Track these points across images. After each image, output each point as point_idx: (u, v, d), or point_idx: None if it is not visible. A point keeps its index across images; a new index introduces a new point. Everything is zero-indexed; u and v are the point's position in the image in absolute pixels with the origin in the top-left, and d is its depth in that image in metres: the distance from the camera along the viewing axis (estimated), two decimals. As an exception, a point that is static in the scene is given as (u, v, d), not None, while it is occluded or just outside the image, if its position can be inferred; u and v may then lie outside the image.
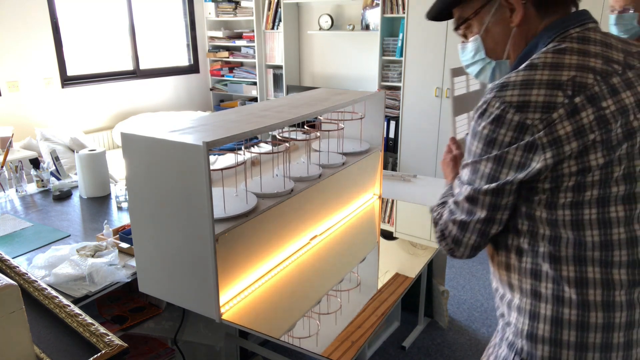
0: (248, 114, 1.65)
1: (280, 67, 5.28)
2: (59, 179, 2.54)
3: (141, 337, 1.78)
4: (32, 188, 2.52)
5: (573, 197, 0.84)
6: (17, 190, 2.46)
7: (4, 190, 2.46)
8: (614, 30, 2.00)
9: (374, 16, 4.60)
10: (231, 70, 5.66)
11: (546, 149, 0.81)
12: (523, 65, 0.87)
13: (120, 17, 4.83)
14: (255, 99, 5.58)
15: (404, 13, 4.27)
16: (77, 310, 1.23)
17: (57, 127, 4.26)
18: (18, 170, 2.44)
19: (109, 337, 1.13)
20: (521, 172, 0.84)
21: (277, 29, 5.16)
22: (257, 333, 1.42)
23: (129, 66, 4.98)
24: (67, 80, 4.47)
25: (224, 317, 1.45)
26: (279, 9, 5.07)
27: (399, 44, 4.45)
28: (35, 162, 2.55)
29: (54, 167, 2.58)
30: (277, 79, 5.35)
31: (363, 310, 1.56)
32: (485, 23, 0.97)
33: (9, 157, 2.61)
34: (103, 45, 4.76)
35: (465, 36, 1.03)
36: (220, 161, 1.89)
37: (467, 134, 0.92)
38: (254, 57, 5.38)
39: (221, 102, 5.89)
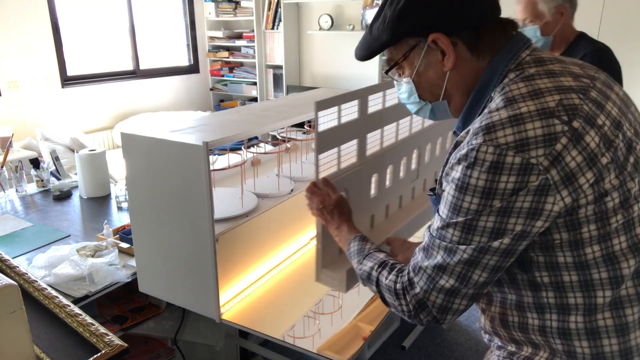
0: (248, 114, 1.65)
1: (280, 67, 5.28)
2: (59, 179, 2.54)
3: (141, 337, 1.78)
4: (32, 188, 2.52)
5: (598, 229, 0.76)
6: (17, 190, 2.46)
7: (4, 190, 2.45)
8: None
9: (374, 16, 4.60)
10: (231, 70, 5.66)
11: (560, 187, 0.72)
12: (496, 102, 0.79)
13: (120, 17, 4.83)
14: (255, 99, 5.58)
15: (404, 13, 4.27)
16: (77, 310, 1.23)
17: (57, 127, 4.26)
18: (18, 170, 2.44)
19: (109, 337, 1.13)
20: (536, 221, 0.74)
21: (277, 29, 5.16)
22: (257, 333, 1.42)
23: (129, 66, 4.98)
24: (67, 80, 4.47)
25: (224, 317, 1.45)
26: (279, 9, 5.07)
27: (399, 44, 4.45)
28: (35, 162, 2.55)
29: (54, 167, 2.58)
30: (277, 79, 5.35)
31: (363, 310, 1.56)
32: (417, 67, 0.90)
33: (9, 157, 2.61)
34: (103, 45, 4.76)
35: (400, 75, 0.96)
36: (220, 161, 1.89)
37: (443, 190, 0.81)
38: (254, 57, 5.38)
39: (221, 102, 5.89)
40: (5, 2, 3.94)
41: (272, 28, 5.19)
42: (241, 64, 5.69)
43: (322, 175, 1.24)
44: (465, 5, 0.84)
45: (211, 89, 5.77)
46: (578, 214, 0.74)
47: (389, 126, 1.50)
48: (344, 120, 1.30)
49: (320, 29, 4.97)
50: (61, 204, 2.33)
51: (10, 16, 3.99)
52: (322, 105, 1.18)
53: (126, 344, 1.12)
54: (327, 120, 1.24)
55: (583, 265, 0.78)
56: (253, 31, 5.28)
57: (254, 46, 5.33)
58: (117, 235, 1.87)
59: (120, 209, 2.26)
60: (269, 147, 2.21)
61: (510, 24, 0.89)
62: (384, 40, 0.90)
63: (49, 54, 4.28)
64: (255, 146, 2.13)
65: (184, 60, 5.54)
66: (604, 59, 1.86)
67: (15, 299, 1.03)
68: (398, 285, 0.87)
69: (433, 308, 0.83)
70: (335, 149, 1.29)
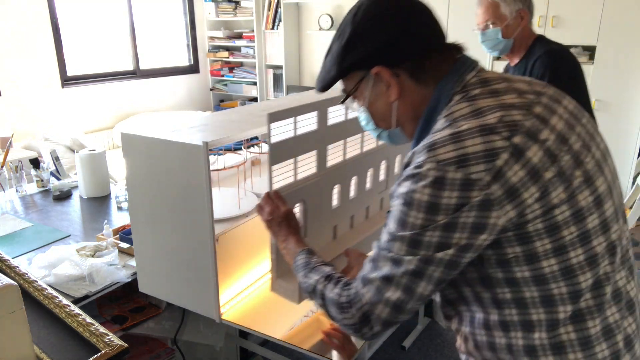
0: (248, 114, 1.65)
1: (280, 67, 5.28)
2: (59, 179, 2.54)
3: (141, 337, 1.78)
4: (32, 188, 2.52)
5: (552, 242, 0.77)
6: (17, 190, 2.46)
7: (4, 190, 2.46)
8: (483, 48, 1.99)
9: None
10: (231, 70, 5.66)
11: (503, 201, 0.73)
12: (440, 123, 0.82)
13: (120, 17, 4.83)
14: (255, 99, 5.58)
15: (404, 13, 4.27)
16: (77, 310, 1.23)
17: (57, 127, 4.26)
18: (18, 170, 2.44)
19: (109, 337, 1.14)
20: (480, 234, 0.75)
21: (277, 29, 5.16)
22: (257, 333, 1.42)
23: (129, 66, 4.98)
24: (67, 80, 4.47)
25: (224, 317, 1.45)
26: (279, 9, 5.07)
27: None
28: (35, 162, 2.55)
29: (54, 167, 2.58)
30: (277, 79, 5.35)
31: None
32: (367, 97, 0.93)
33: (9, 157, 2.61)
34: (103, 45, 4.76)
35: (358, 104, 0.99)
36: (220, 161, 1.89)
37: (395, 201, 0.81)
38: (254, 57, 5.38)
39: (221, 102, 5.89)
40: (5, 2, 3.94)
41: (272, 28, 5.19)
42: (241, 64, 5.70)
43: (277, 185, 1.27)
44: (404, 39, 0.87)
45: (211, 89, 5.78)
46: (527, 228, 0.75)
47: (353, 137, 1.52)
48: (302, 131, 1.32)
49: (320, 29, 4.97)
50: (61, 204, 2.33)
51: (10, 16, 3.99)
52: (274, 117, 1.21)
53: (126, 344, 1.12)
54: (283, 131, 1.26)
55: (541, 279, 0.79)
56: (253, 31, 5.28)
57: (254, 46, 5.34)
58: (117, 235, 1.87)
59: (120, 209, 2.26)
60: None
61: (455, 48, 0.91)
62: (333, 74, 0.93)
63: (49, 54, 4.28)
64: (255, 146, 2.13)
65: (184, 60, 5.54)
66: (556, 59, 1.87)
67: (15, 299, 1.03)
68: (343, 299, 0.88)
69: (378, 321, 0.84)
70: (291, 160, 1.31)
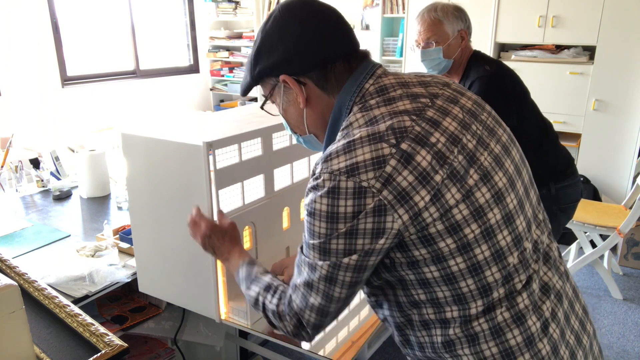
0: (248, 114, 1.65)
1: (280, 67, 5.27)
2: (59, 179, 2.54)
3: (141, 337, 1.78)
4: (32, 188, 2.52)
5: (455, 242, 0.78)
6: (17, 190, 2.46)
7: (4, 190, 2.46)
8: (424, 66, 1.96)
9: (374, 16, 4.60)
10: (231, 70, 5.66)
11: (395, 206, 0.75)
12: (339, 134, 0.85)
13: (121, 17, 4.83)
14: (255, 99, 5.58)
15: (404, 13, 4.27)
16: (77, 310, 1.24)
17: (57, 127, 4.26)
18: (18, 170, 2.44)
19: (109, 337, 1.14)
20: (380, 239, 0.78)
21: (277, 29, 5.16)
22: (257, 333, 1.42)
23: (129, 66, 4.98)
24: (67, 80, 4.47)
25: (223, 317, 1.45)
26: (279, 9, 5.06)
27: (399, 44, 4.45)
28: (35, 162, 2.55)
29: (54, 167, 2.58)
30: (277, 79, 5.35)
31: (363, 310, 1.56)
32: (281, 104, 0.97)
33: (9, 157, 2.61)
34: (103, 45, 4.76)
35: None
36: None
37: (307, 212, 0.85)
38: (254, 57, 5.37)
39: (221, 102, 5.89)
40: (6, 2, 3.94)
41: (272, 28, 5.19)
42: (241, 64, 5.69)
43: (226, 209, 1.33)
44: (306, 49, 0.89)
45: (211, 89, 5.77)
46: (429, 230, 0.77)
47: (300, 161, 1.59)
48: (247, 156, 1.38)
49: (320, 29, 4.97)
50: (61, 204, 2.33)
51: (11, 16, 3.99)
52: (217, 144, 1.27)
53: (126, 344, 1.12)
54: (227, 157, 1.32)
55: (450, 278, 0.81)
56: (253, 31, 5.28)
57: (254, 46, 5.33)
58: (117, 235, 1.87)
59: (120, 208, 2.26)
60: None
61: (357, 57, 0.92)
62: (248, 80, 0.98)
63: (49, 54, 4.28)
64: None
65: (184, 60, 5.54)
66: (487, 87, 1.83)
67: (15, 299, 1.03)
68: (280, 307, 0.92)
69: (309, 325, 0.88)
70: (238, 184, 1.37)
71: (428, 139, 0.79)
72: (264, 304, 0.96)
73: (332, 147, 0.81)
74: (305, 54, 0.89)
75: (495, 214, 0.81)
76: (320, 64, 0.90)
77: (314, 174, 0.82)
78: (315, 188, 0.80)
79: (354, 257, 0.80)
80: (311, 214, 0.81)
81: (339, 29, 0.92)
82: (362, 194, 0.76)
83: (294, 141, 1.49)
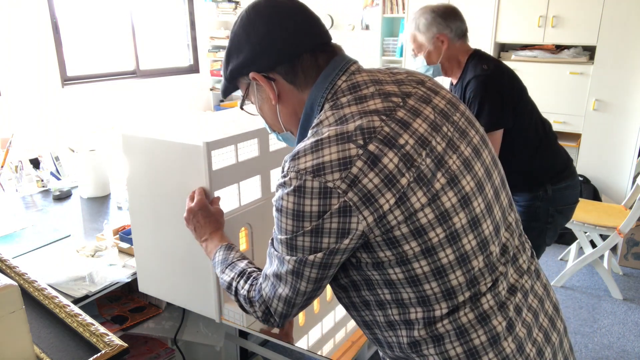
0: (248, 113, 1.65)
1: (280, 67, 5.28)
2: (59, 179, 2.54)
3: (141, 337, 1.78)
4: (32, 188, 2.52)
5: (420, 245, 0.78)
6: (17, 190, 2.46)
7: (4, 190, 2.46)
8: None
9: (374, 16, 4.60)
10: (231, 70, 5.66)
11: (360, 207, 0.75)
12: (310, 131, 0.85)
13: (121, 17, 4.83)
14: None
15: (404, 13, 4.27)
16: (77, 310, 1.24)
17: (57, 127, 4.26)
18: (18, 170, 2.44)
19: (109, 337, 1.14)
20: (345, 239, 0.78)
21: (277, 29, 5.16)
22: (257, 333, 1.42)
23: (129, 66, 4.98)
24: (67, 80, 4.47)
25: (223, 317, 1.46)
26: (279, 9, 5.07)
27: (399, 44, 4.45)
28: (35, 162, 2.55)
29: (54, 167, 2.58)
30: (277, 79, 5.36)
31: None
32: (256, 102, 0.98)
33: (9, 157, 2.61)
34: (103, 45, 4.76)
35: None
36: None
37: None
38: (254, 57, 5.38)
39: (221, 102, 5.89)
40: (6, 2, 3.94)
41: (272, 28, 5.19)
42: (241, 64, 5.70)
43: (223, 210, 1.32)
44: (271, 44, 0.89)
45: (211, 89, 5.78)
46: (394, 233, 0.77)
47: None
48: (244, 157, 1.38)
49: (320, 29, 4.97)
50: (61, 204, 2.33)
51: (11, 16, 3.99)
52: (213, 145, 1.26)
53: (126, 344, 1.12)
54: (224, 158, 1.32)
55: (414, 280, 0.81)
56: (253, 31, 5.28)
57: (254, 46, 5.33)
58: (117, 235, 1.87)
59: (120, 208, 2.26)
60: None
61: (326, 50, 0.92)
62: (224, 81, 1.00)
63: (49, 54, 4.28)
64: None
65: (184, 60, 5.54)
66: (481, 88, 1.83)
67: (15, 299, 1.03)
68: (251, 294, 0.95)
69: (276, 314, 0.91)
70: (235, 185, 1.37)
71: (396, 141, 0.78)
72: (236, 288, 0.99)
73: (301, 145, 0.81)
74: (270, 49, 0.90)
75: (460, 219, 0.80)
76: (286, 57, 0.90)
77: (282, 170, 0.82)
78: (282, 185, 0.81)
79: (319, 255, 0.81)
80: (279, 210, 0.82)
81: (305, 24, 0.91)
82: (328, 195, 0.76)
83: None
